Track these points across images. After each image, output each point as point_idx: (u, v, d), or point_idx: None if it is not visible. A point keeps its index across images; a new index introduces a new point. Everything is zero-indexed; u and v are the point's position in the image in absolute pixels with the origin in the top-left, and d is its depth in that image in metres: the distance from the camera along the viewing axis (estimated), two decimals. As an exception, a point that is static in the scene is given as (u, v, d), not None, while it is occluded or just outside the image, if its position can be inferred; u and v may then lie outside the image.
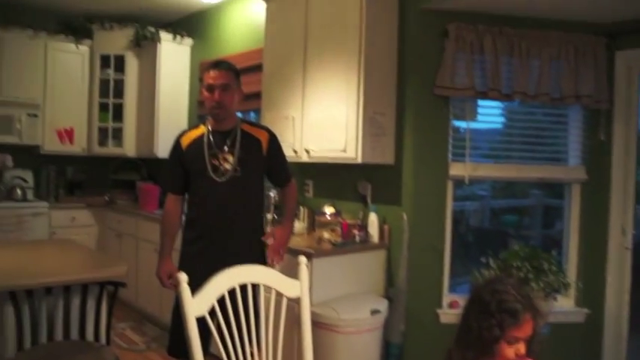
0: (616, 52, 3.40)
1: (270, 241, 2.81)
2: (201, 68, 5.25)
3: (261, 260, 2.78)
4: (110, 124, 5.70)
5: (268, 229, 3.02)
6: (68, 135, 5.68)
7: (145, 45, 5.54)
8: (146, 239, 4.72)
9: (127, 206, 5.41)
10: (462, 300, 3.40)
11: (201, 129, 2.80)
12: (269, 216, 3.84)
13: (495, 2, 3.23)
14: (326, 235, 3.44)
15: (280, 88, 3.84)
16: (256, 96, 4.19)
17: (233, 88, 2.71)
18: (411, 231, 3.37)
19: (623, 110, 3.40)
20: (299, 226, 3.78)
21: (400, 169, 3.48)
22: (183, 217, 2.89)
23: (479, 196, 3.95)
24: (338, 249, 3.29)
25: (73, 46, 5.66)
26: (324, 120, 3.48)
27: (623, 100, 3.40)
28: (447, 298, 3.47)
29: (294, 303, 1.94)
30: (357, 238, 3.41)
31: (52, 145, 5.58)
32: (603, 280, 3.42)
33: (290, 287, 1.94)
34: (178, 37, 5.47)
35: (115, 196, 5.70)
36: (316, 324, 2.86)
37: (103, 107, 5.72)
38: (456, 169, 3.46)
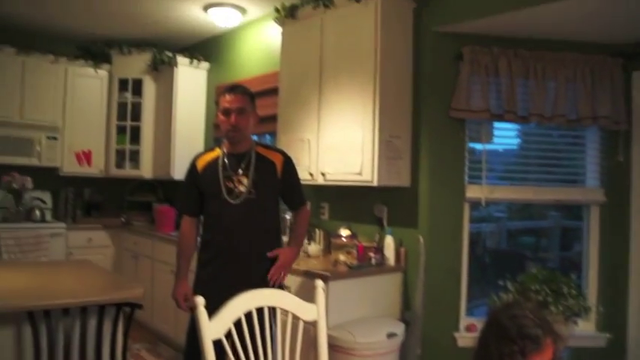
0: (633, 73, 3.39)
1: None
2: (217, 92, 5.31)
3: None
4: (127, 147, 5.77)
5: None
6: (86, 157, 5.76)
7: (162, 69, 5.63)
8: (162, 260, 4.73)
9: (143, 227, 5.44)
10: (479, 323, 3.35)
11: (217, 152, 2.83)
12: (285, 238, 3.83)
13: (510, 25, 3.24)
14: (342, 257, 3.42)
15: (296, 111, 3.86)
16: (272, 119, 4.23)
17: (248, 112, 2.73)
18: (428, 253, 3.35)
19: (641, 131, 3.37)
20: (315, 248, 3.77)
21: (416, 192, 3.47)
22: (199, 239, 2.90)
23: (495, 218, 3.92)
24: (354, 271, 3.27)
25: (92, 70, 5.77)
26: (340, 143, 3.49)
27: (641, 120, 3.38)
28: (464, 321, 3.43)
29: (310, 326, 1.94)
30: (373, 261, 3.39)
31: (70, 167, 5.66)
32: (625, 304, 3.36)
33: (307, 311, 1.94)
34: (195, 62, 5.55)
35: (131, 218, 5.74)
36: (332, 347, 2.83)
37: (121, 130, 5.80)
38: (473, 192, 3.44)
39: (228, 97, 2.71)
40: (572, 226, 3.72)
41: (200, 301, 1.65)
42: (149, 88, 5.74)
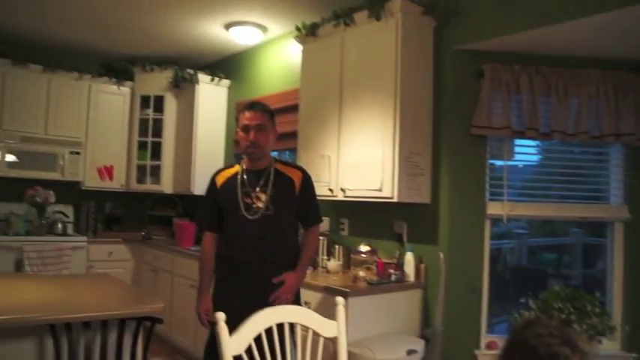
0: (656, 90, 3.36)
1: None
2: (237, 108, 5.37)
3: (296, 299, 2.79)
4: (148, 162, 5.84)
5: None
6: (108, 172, 5.84)
7: (183, 86, 5.70)
8: (182, 275, 4.76)
9: (163, 242, 5.48)
10: (500, 341, 3.32)
11: (236, 168, 2.85)
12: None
13: (531, 42, 3.24)
14: (361, 273, 3.41)
15: (316, 128, 3.89)
16: (291, 135, 4.25)
17: (268, 129, 2.75)
18: (448, 270, 3.32)
19: (666, 148, 3.34)
20: (334, 264, 3.76)
21: (437, 208, 3.46)
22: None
23: (516, 234, 3.88)
24: (374, 288, 3.26)
25: (115, 87, 5.88)
26: (360, 159, 3.50)
27: (665, 137, 3.34)
28: (485, 338, 3.40)
29: (330, 342, 1.93)
30: (393, 277, 3.37)
31: (92, 181, 5.75)
32: (651, 323, 3.30)
33: (327, 327, 1.94)
34: (216, 79, 5.62)
35: (151, 232, 5.79)
36: (352, 364, 2.81)
37: (142, 146, 5.88)
38: (494, 209, 3.42)
39: (247, 114, 2.74)
40: (595, 243, 3.67)
41: (221, 316, 1.66)
42: (170, 104, 5.81)
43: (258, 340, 1.74)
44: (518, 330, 1.54)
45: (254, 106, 2.78)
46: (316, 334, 1.91)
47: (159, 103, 5.83)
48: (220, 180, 2.84)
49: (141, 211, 6.17)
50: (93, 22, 4.96)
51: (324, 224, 4.03)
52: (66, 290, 3.03)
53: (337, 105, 3.71)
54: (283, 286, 2.72)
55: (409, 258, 3.46)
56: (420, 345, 3.14)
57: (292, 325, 1.93)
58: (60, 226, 5.45)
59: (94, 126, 5.75)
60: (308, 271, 3.22)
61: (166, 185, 5.79)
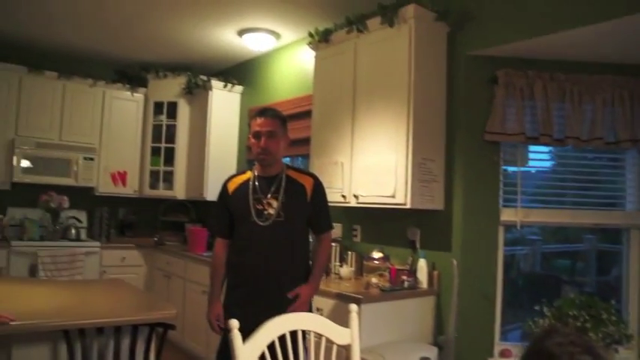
0: (672, 96, 3.32)
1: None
2: (249, 114, 5.38)
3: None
4: (161, 168, 5.88)
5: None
6: (121, 178, 5.88)
7: (196, 92, 5.73)
8: (194, 281, 4.77)
9: (176, 247, 5.50)
10: (514, 348, 3.29)
11: (248, 174, 2.86)
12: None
13: (545, 48, 3.23)
14: (374, 280, 3.40)
15: (329, 135, 3.89)
16: (304, 141, 4.26)
17: (279, 135, 2.75)
18: (461, 277, 3.30)
19: (682, 154, 3.30)
20: (347, 270, 3.75)
21: (450, 215, 3.44)
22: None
23: (529, 240, 3.84)
24: (386, 294, 3.24)
25: (128, 93, 5.93)
26: (373, 166, 3.49)
27: (682, 143, 3.30)
28: (498, 346, 3.36)
29: (343, 349, 1.93)
30: (406, 284, 3.36)
31: (105, 187, 5.79)
32: (668, 332, 3.25)
33: (340, 334, 1.94)
34: (229, 85, 5.65)
35: (163, 238, 5.81)
36: (365, 371, 2.80)
37: (155, 151, 5.92)
38: (508, 215, 3.40)
39: (258, 120, 2.74)
40: (610, 250, 3.63)
41: (234, 324, 1.66)
42: (183, 110, 5.85)
43: (271, 347, 1.74)
44: (538, 339, 1.52)
45: (265, 112, 2.78)
46: (329, 342, 1.91)
47: (172, 109, 5.87)
48: (232, 186, 2.84)
49: (153, 217, 6.20)
50: (107, 30, 5.02)
51: (337, 230, 4.02)
52: (80, 296, 3.05)
53: (350, 111, 3.71)
54: (298, 299, 2.71)
55: (422, 264, 3.44)
56: (433, 352, 3.12)
57: (305, 333, 1.93)
58: (73, 231, 5.50)
59: (108, 132, 5.81)
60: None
61: (179, 191, 5.82)
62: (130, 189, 5.92)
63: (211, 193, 5.22)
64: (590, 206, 3.44)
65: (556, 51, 3.27)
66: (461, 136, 3.45)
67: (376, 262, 3.59)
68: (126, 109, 5.92)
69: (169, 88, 5.85)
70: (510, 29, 3.20)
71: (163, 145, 5.87)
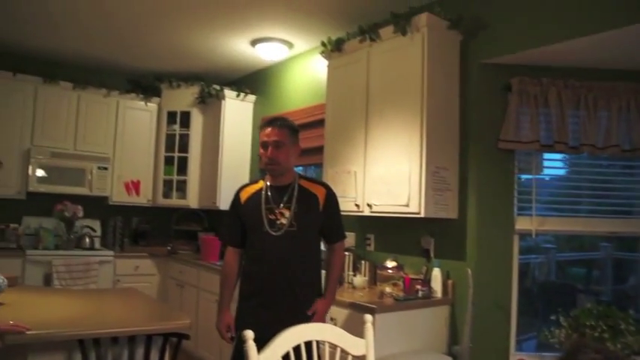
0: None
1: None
2: (260, 124, 5.39)
3: None
4: (175, 177, 5.91)
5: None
6: (135, 187, 5.91)
7: (209, 102, 5.77)
8: (207, 290, 4.77)
9: (189, 256, 5.51)
10: (529, 358, 3.26)
11: (260, 184, 2.85)
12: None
13: (559, 55, 3.21)
14: (388, 289, 3.38)
15: (342, 143, 3.89)
16: (317, 150, 4.26)
17: (287, 145, 2.74)
18: (476, 286, 3.27)
19: (700, 162, 3.26)
20: (360, 279, 3.73)
21: (464, 224, 3.42)
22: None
23: (543, 248, 3.81)
24: (401, 304, 3.22)
25: (142, 103, 5.98)
26: (387, 175, 3.48)
27: (700, 151, 3.26)
28: (513, 356, 3.33)
29: (357, 359, 1.92)
30: (420, 293, 3.34)
31: (119, 196, 5.82)
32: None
33: (355, 345, 1.93)
34: (242, 94, 5.68)
35: (176, 247, 5.83)
36: (379, 382, 2.78)
37: (169, 161, 5.95)
38: (522, 224, 3.37)
39: (266, 130, 2.75)
40: (626, 258, 3.58)
41: (249, 335, 1.66)
42: (197, 120, 5.88)
43: (286, 358, 1.73)
44: (570, 354, 1.49)
45: (272, 122, 2.78)
46: (344, 352, 1.90)
47: (185, 119, 5.90)
48: (244, 196, 2.84)
49: (167, 226, 6.23)
50: (121, 41, 5.07)
51: (350, 239, 4.01)
52: (94, 305, 3.06)
53: (363, 120, 3.71)
54: (316, 315, 2.71)
55: (436, 274, 3.42)
56: (448, 363, 3.10)
57: (320, 343, 1.92)
58: (87, 240, 5.53)
59: (122, 141, 5.85)
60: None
61: (192, 200, 5.84)
62: (143, 198, 5.95)
63: (224, 202, 5.23)
64: (606, 214, 3.41)
65: (570, 58, 3.25)
66: (474, 145, 3.44)
67: (390, 271, 3.57)
68: (139, 118, 5.96)
69: (182, 98, 5.89)
70: (523, 37, 3.19)
71: (176, 154, 5.91)
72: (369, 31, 3.67)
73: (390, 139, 3.51)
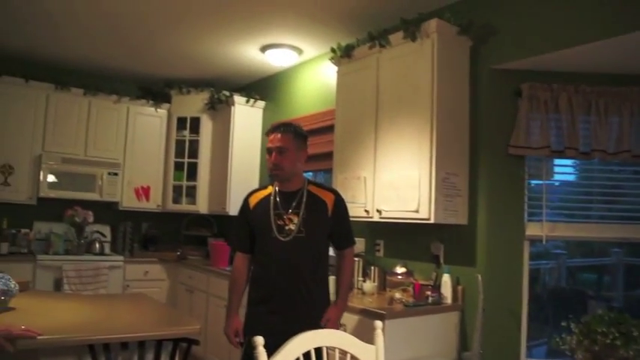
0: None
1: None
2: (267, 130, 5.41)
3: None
4: (184, 183, 5.93)
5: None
6: (145, 192, 5.94)
7: (219, 107, 5.79)
8: (217, 295, 4.78)
9: (198, 262, 5.52)
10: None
11: (269, 189, 2.86)
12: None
13: (569, 60, 3.20)
14: (397, 295, 3.37)
15: (352, 149, 3.89)
16: (327, 156, 4.26)
17: (291, 151, 2.74)
18: (486, 292, 3.25)
19: None
20: (370, 285, 3.72)
21: (474, 230, 3.41)
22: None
23: (553, 254, 3.79)
24: (410, 310, 3.21)
25: (152, 109, 6.01)
26: (397, 180, 3.48)
27: None
28: (524, 363, 3.31)
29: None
30: (430, 299, 3.32)
31: (129, 201, 5.85)
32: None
33: (365, 352, 1.92)
34: (251, 100, 5.69)
35: (186, 252, 5.85)
36: (389, 388, 2.76)
37: (178, 166, 5.97)
38: (533, 230, 3.36)
39: (271, 136, 2.77)
40: (638, 264, 3.55)
41: (259, 341, 1.66)
42: (206, 126, 5.91)
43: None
44: None
45: (277, 128, 2.79)
46: (354, 359, 1.89)
47: (195, 125, 5.93)
48: (253, 201, 2.85)
49: (176, 232, 6.25)
50: (131, 48, 5.11)
51: (360, 245, 4.01)
52: (104, 310, 3.07)
53: (373, 126, 3.71)
54: (329, 322, 2.71)
55: (446, 280, 3.41)
56: (458, 369, 3.08)
57: (330, 349, 1.91)
58: (97, 245, 5.57)
59: (132, 147, 5.88)
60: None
61: (202, 205, 5.86)
62: (153, 204, 5.98)
63: (234, 208, 5.24)
64: (617, 220, 3.38)
65: (581, 63, 3.23)
66: (485, 150, 3.43)
67: (399, 277, 3.56)
68: (149, 124, 6.00)
69: (192, 104, 5.92)
70: (534, 42, 3.18)
71: (186, 160, 5.93)
72: (378, 37, 3.68)
73: (399, 144, 3.51)
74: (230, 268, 4.57)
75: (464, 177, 3.44)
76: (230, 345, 2.86)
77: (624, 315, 2.97)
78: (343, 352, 1.89)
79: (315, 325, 2.56)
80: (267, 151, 2.78)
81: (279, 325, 2.54)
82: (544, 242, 3.37)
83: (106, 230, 5.81)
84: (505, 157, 3.37)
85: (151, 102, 5.99)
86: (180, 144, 5.98)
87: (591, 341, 2.83)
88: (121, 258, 5.52)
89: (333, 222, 2.80)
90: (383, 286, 3.78)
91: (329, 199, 2.81)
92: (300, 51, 4.88)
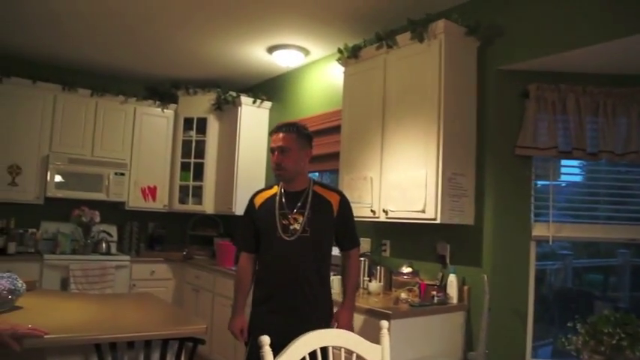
0: None
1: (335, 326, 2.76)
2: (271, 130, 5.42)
3: (329, 320, 2.77)
4: (191, 183, 5.95)
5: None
6: (151, 192, 5.95)
7: (226, 108, 5.81)
8: (223, 295, 4.79)
9: (204, 262, 5.54)
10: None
11: (275, 189, 2.87)
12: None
13: (577, 61, 3.19)
14: (403, 295, 3.36)
15: (359, 150, 3.89)
16: (333, 156, 4.26)
17: (293, 150, 2.74)
18: (492, 292, 3.25)
19: None
20: (375, 285, 3.72)
21: (480, 230, 3.40)
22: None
23: (559, 255, 3.77)
24: (416, 310, 3.21)
25: (159, 110, 6.03)
26: (403, 181, 3.48)
27: None
28: (530, 364, 3.30)
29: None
30: (436, 299, 3.32)
31: (136, 201, 5.87)
32: None
33: (371, 351, 1.92)
34: (258, 101, 5.71)
35: (192, 252, 5.86)
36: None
37: (185, 167, 5.99)
38: (539, 230, 3.35)
39: (274, 136, 2.79)
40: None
41: (265, 340, 1.66)
42: (213, 126, 5.93)
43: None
44: None
45: (280, 128, 2.80)
46: (360, 358, 1.90)
47: (202, 125, 5.95)
48: (259, 201, 2.86)
49: (182, 231, 6.27)
50: (138, 48, 5.14)
51: (366, 245, 4.01)
52: (110, 310, 3.08)
53: (380, 126, 3.71)
54: (342, 327, 2.69)
55: (452, 280, 3.41)
56: (464, 370, 3.08)
57: (336, 349, 1.92)
58: (104, 245, 5.59)
59: (139, 148, 5.90)
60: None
61: (208, 205, 5.87)
62: (159, 204, 5.99)
63: (240, 208, 5.24)
64: (624, 221, 3.37)
65: (588, 64, 3.22)
66: (491, 151, 3.42)
67: (405, 277, 3.56)
68: (156, 125, 6.02)
69: (199, 104, 5.93)
70: (541, 43, 3.18)
71: (193, 160, 5.95)
72: (385, 38, 3.68)
73: (406, 145, 3.50)
74: (236, 268, 4.60)
75: (470, 177, 3.43)
76: (236, 344, 2.88)
77: (630, 316, 2.95)
78: (349, 352, 1.90)
79: (319, 324, 2.56)
80: (270, 150, 2.80)
81: (283, 324, 2.55)
82: (550, 243, 3.36)
83: (113, 230, 5.83)
84: (512, 157, 3.36)
85: (157, 102, 6.01)
86: (186, 144, 6.00)
87: (597, 342, 2.82)
88: (128, 258, 5.54)
89: (337, 222, 2.81)
90: (389, 286, 3.78)
91: (334, 199, 2.82)
92: (306, 52, 4.88)
